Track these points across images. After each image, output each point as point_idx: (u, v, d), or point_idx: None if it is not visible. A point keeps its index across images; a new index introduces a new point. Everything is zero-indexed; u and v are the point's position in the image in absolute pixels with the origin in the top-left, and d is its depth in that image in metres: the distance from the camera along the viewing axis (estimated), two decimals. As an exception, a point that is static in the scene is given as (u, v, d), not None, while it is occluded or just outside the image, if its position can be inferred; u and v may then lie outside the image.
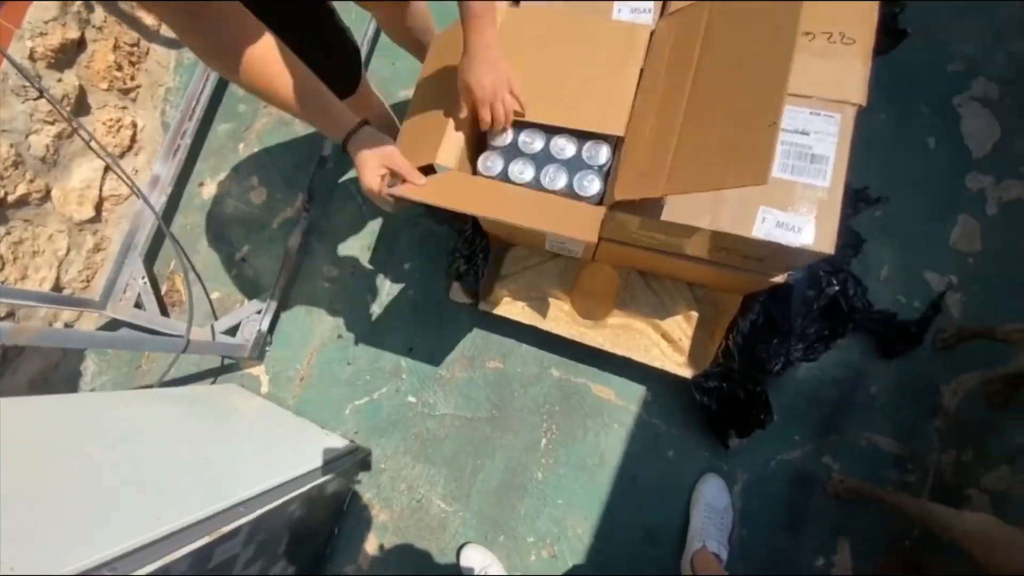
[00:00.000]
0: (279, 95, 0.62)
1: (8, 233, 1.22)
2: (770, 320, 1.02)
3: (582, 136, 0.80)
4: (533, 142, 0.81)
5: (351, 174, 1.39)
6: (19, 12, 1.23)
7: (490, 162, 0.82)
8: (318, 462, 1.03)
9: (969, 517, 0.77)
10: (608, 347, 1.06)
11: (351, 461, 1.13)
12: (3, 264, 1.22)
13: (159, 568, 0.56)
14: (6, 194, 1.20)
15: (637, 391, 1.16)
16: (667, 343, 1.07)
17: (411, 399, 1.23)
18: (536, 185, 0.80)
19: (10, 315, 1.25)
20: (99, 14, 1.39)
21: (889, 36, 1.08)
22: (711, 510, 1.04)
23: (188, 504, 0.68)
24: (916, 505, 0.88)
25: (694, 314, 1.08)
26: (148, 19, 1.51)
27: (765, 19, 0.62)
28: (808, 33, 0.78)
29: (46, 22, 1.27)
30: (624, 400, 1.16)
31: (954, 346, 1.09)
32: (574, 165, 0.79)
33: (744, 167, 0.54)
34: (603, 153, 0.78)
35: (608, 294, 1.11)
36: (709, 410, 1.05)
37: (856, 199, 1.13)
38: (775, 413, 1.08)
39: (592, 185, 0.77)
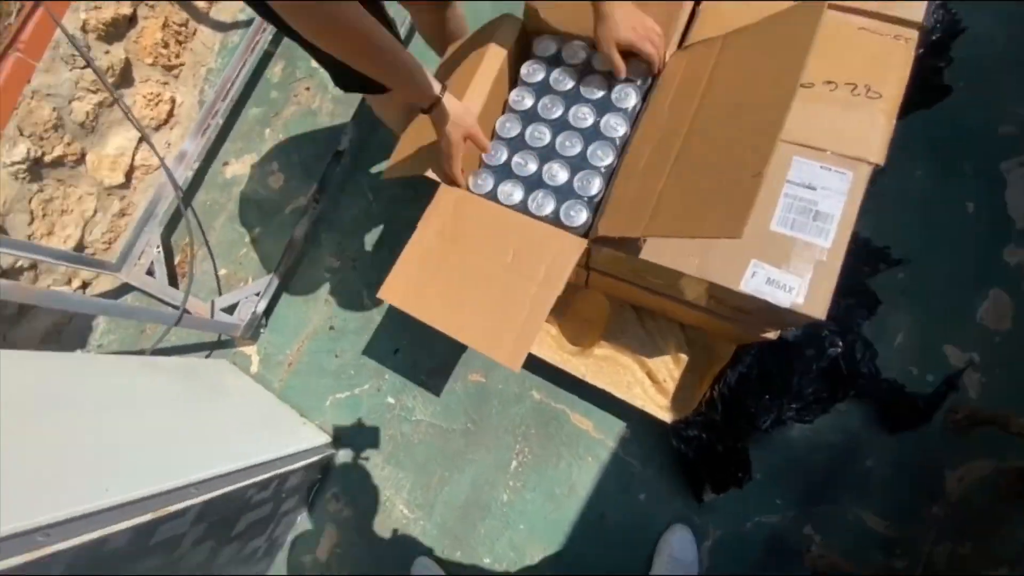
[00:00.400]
0: (373, 47, 0.60)
1: (41, 191, 1.30)
2: (765, 374, 0.97)
3: (576, 165, 0.78)
4: (527, 164, 0.80)
5: (368, 169, 1.41)
6: (80, -15, 1.31)
7: (480, 179, 0.81)
8: (291, 450, 1.04)
9: None
10: (589, 378, 1.03)
11: (323, 454, 1.14)
12: (32, 219, 1.30)
13: (95, 539, 0.57)
14: (43, 154, 1.28)
15: (616, 426, 1.12)
16: (651, 383, 1.03)
17: (390, 400, 1.23)
18: (523, 208, 0.78)
19: (32, 267, 1.32)
20: (153, -8, 1.46)
21: (931, 91, 1.02)
22: (675, 563, 1.00)
23: (142, 477, 0.69)
24: None
25: (684, 357, 1.04)
26: (198, 1, 1.58)
27: (770, 61, 0.59)
28: (830, 82, 0.73)
29: (103, -4, 1.35)
30: (602, 434, 1.12)
31: (966, 430, 1.00)
32: (564, 193, 0.77)
33: (722, 218, 0.51)
34: (595, 184, 0.76)
35: (598, 322, 1.08)
36: (686, 458, 1.00)
37: (876, 258, 1.07)
38: (759, 471, 1.03)
39: (579, 216, 0.74)
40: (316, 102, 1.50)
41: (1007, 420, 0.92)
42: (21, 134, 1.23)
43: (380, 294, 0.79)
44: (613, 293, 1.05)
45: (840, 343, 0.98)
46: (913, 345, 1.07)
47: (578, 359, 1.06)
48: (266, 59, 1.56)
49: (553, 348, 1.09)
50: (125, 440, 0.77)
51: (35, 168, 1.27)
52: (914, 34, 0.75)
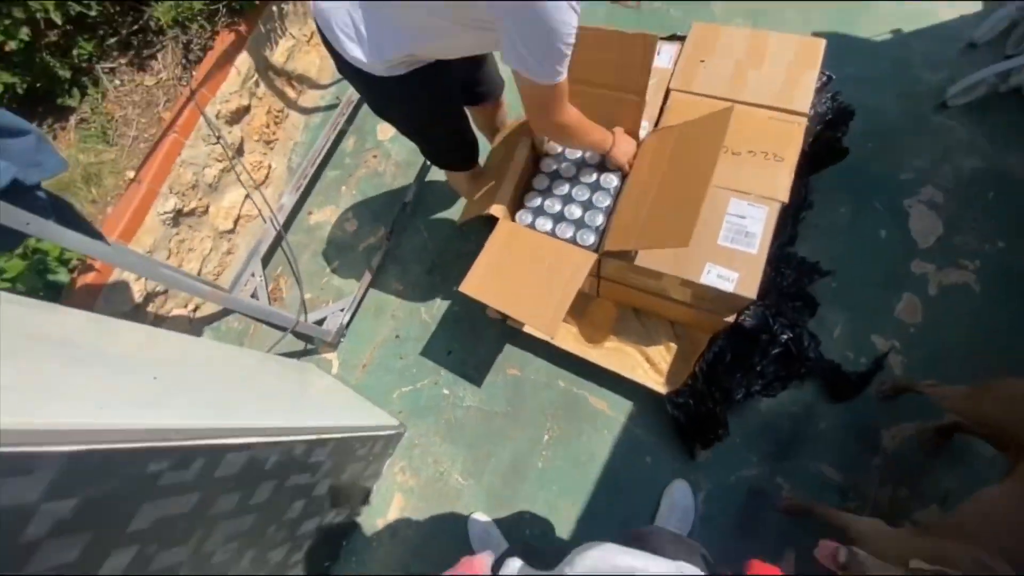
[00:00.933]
0: (585, 128, 1.03)
1: (177, 234, 1.70)
2: (735, 357, 1.31)
3: (585, 206, 1.18)
4: (553, 206, 1.20)
5: (423, 216, 1.82)
6: (216, 84, 1.79)
7: (523, 216, 1.21)
8: (371, 423, 1.36)
9: (863, 521, 0.99)
10: (602, 363, 1.37)
11: (394, 431, 1.45)
12: (169, 255, 1.69)
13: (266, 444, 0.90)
14: (184, 207, 1.70)
15: (626, 405, 1.43)
16: (649, 365, 1.36)
17: (445, 391, 1.56)
18: (551, 234, 1.17)
19: (164, 292, 1.70)
20: (262, 88, 1.95)
21: (835, 153, 1.44)
22: (676, 507, 1.28)
23: (279, 417, 1.02)
24: (833, 514, 1.10)
25: (673, 346, 1.38)
26: (291, 93, 2.08)
27: (704, 144, 0.99)
28: (752, 151, 1.14)
29: (230, 92, 1.83)
30: (615, 411, 1.44)
31: (892, 397, 1.32)
32: (578, 224, 1.16)
33: (674, 236, 0.89)
34: (599, 218, 1.15)
35: (607, 324, 1.43)
36: (679, 422, 1.31)
37: (810, 270, 1.43)
38: (737, 436, 1.34)
39: (589, 238, 1.13)
40: (382, 166, 1.95)
41: (915, 385, 1.23)
42: (171, 192, 1.66)
43: (461, 288, 1.15)
44: (618, 298, 1.41)
45: (789, 333, 1.32)
46: (847, 335, 1.41)
47: (593, 350, 1.40)
48: (341, 135, 2.03)
49: (573, 343, 1.43)
50: (256, 390, 1.10)
51: (176, 217, 1.68)
52: (803, 120, 1.16)
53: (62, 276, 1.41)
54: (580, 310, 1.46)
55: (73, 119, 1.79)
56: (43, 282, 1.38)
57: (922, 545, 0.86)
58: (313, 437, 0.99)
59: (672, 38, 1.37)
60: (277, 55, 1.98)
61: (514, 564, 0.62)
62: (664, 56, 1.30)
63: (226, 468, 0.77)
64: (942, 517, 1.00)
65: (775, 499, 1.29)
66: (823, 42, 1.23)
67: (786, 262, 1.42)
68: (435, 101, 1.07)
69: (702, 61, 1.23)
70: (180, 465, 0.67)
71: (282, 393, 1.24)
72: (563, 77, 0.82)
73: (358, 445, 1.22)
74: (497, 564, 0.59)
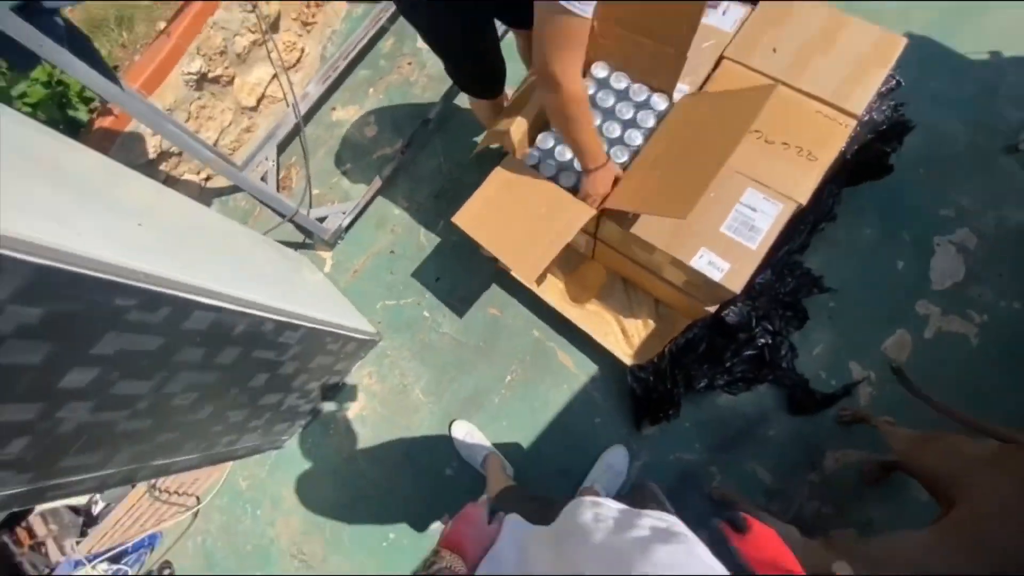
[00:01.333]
0: (582, 124, 0.90)
1: (199, 98, 1.69)
2: (708, 348, 1.31)
3: (627, 126, 1.14)
4: (564, 153, 1.16)
5: (445, 137, 1.77)
6: (261, -50, 1.69)
7: (531, 155, 1.18)
8: (351, 324, 1.42)
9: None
10: (579, 323, 1.38)
11: (370, 337, 1.51)
12: (188, 118, 1.70)
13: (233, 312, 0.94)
14: (209, 71, 1.67)
15: (590, 367, 1.47)
16: (623, 336, 1.38)
17: (425, 313, 1.60)
18: (555, 180, 1.14)
19: (179, 154, 1.72)
20: (309, -36, 1.84)
21: (879, 168, 1.35)
22: (610, 469, 1.34)
23: (260, 291, 1.06)
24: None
25: (652, 323, 1.38)
26: (339, -24, 1.96)
27: (735, 111, 0.93)
28: (786, 143, 1.07)
29: (274, -39, 1.73)
30: (578, 370, 1.47)
31: (849, 424, 1.33)
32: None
33: (674, 206, 0.86)
34: (638, 139, 1.12)
35: (594, 287, 1.43)
36: (635, 394, 1.35)
37: (812, 283, 1.39)
38: (688, 421, 1.38)
39: (622, 156, 1.11)
40: (414, 75, 1.87)
41: (869, 418, 1.24)
42: (198, 53, 1.63)
43: (454, 219, 1.15)
44: (611, 264, 1.40)
45: (769, 339, 1.32)
46: (826, 355, 1.40)
47: (573, 308, 1.42)
48: (381, 33, 1.93)
49: (558, 298, 1.44)
50: (247, 267, 1.14)
51: (201, 81, 1.66)
52: (852, 122, 1.08)
53: (81, 114, 1.43)
54: (571, 267, 1.46)
55: (113, -48, 1.72)
56: (63, 116, 1.41)
57: (822, 560, 0.90)
58: (284, 319, 1.04)
59: None
60: (331, -71, 1.85)
61: (513, 519, 0.66)
62: (728, 17, 1.19)
63: (194, 323, 0.82)
64: (857, 542, 1.04)
65: (704, 484, 1.35)
66: (903, 41, 1.11)
67: (790, 269, 1.38)
68: (458, 15, 1.01)
69: (773, 50, 1.12)
70: (147, 307, 0.72)
71: (269, 275, 1.29)
72: (576, 10, 0.70)
73: (329, 340, 1.28)
74: (491, 515, 0.62)
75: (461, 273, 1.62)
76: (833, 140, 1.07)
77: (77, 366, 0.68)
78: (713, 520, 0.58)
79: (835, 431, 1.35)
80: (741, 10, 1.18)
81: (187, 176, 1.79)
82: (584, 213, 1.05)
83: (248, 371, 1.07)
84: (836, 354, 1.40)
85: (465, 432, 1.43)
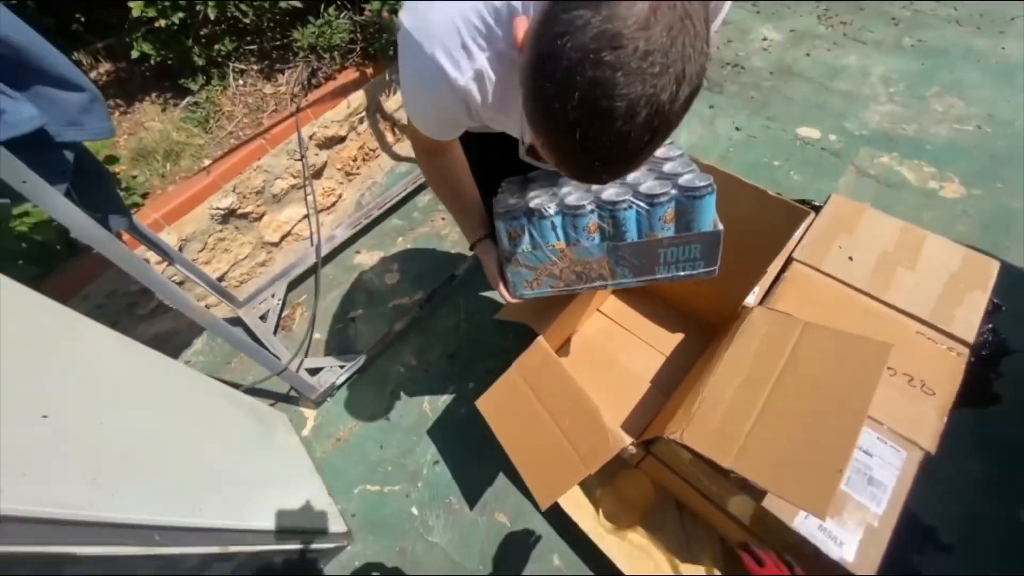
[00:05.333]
0: (454, 192, 0.83)
1: (220, 231, 1.63)
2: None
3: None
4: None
5: (469, 296, 1.65)
6: (323, 109, 1.81)
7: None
8: (311, 525, 1.07)
9: None
10: (618, 562, 1.03)
11: (335, 543, 1.14)
12: (203, 248, 1.60)
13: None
14: (239, 208, 1.64)
15: (630, 628, 1.06)
16: (679, 590, 1.01)
17: (414, 511, 1.25)
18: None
19: (181, 283, 1.59)
20: (364, 125, 1.97)
21: (981, 396, 1.14)
22: None
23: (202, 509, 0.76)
24: None
25: (717, 574, 1.02)
26: (390, 137, 2.10)
27: (851, 352, 0.75)
28: (891, 369, 0.88)
29: (333, 120, 1.84)
30: (613, 630, 1.06)
31: None
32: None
33: (808, 495, 0.63)
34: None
35: (639, 507, 1.11)
36: None
37: (924, 536, 1.06)
38: None
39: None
40: (447, 230, 1.84)
41: None
42: (233, 191, 1.61)
43: (478, 403, 0.92)
44: (661, 481, 1.10)
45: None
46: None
47: (612, 537, 1.07)
48: (419, 189, 1.98)
49: (591, 519, 1.11)
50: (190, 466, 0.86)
51: (227, 216, 1.62)
52: (965, 350, 0.90)
53: (85, 237, 1.32)
54: (609, 475, 1.16)
55: (185, 100, 1.86)
56: (64, 239, 1.30)
57: None
58: (216, 550, 0.72)
59: (803, 203, 1.20)
60: (390, 103, 2.02)
61: None
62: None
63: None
64: None
65: None
66: (996, 264, 1.00)
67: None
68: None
69: (849, 258, 1.02)
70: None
71: (217, 455, 0.99)
72: (418, 126, 0.67)
73: (277, 559, 0.93)
74: None
75: (468, 460, 1.31)
76: (949, 370, 0.88)
77: None
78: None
79: None
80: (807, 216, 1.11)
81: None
82: (607, 446, 0.81)
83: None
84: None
85: None
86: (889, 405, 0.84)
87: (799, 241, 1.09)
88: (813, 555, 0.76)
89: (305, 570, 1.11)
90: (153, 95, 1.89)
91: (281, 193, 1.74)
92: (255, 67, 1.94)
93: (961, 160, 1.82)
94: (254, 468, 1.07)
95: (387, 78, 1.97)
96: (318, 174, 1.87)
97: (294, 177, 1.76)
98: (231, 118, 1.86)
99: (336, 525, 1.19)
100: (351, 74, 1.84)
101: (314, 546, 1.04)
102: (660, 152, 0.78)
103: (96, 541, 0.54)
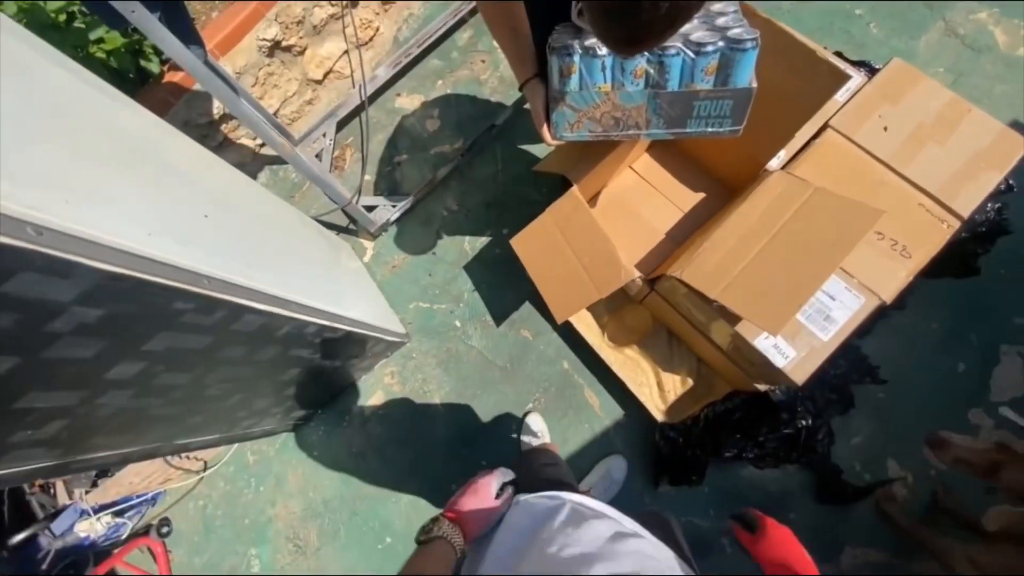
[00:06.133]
0: (511, 28, 0.86)
1: (268, 65, 1.66)
2: (744, 418, 1.26)
3: None
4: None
5: (507, 146, 1.72)
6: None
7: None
8: (382, 324, 1.39)
9: None
10: (614, 367, 1.34)
11: (398, 338, 1.49)
12: (255, 83, 1.67)
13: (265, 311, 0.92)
14: (283, 39, 1.64)
15: (616, 412, 1.43)
16: (658, 389, 1.33)
17: (457, 323, 1.57)
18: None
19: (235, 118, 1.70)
20: (398, -59, 1.78)
21: (964, 268, 1.27)
22: (607, 476, 1.32)
23: (295, 286, 1.03)
24: None
25: (690, 382, 1.33)
26: (426, -42, 1.90)
27: (836, 228, 0.87)
28: (880, 233, 1.00)
29: (366, -65, 1.67)
30: (603, 413, 1.43)
31: (892, 522, 1.26)
32: None
33: (768, 318, 0.81)
34: None
35: (638, 332, 1.38)
36: (660, 452, 1.30)
37: (865, 371, 1.32)
38: (708, 486, 1.33)
39: None
40: (486, 74, 1.82)
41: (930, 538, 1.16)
42: (276, 20, 1.59)
43: (512, 241, 1.12)
44: (658, 313, 1.34)
45: (809, 421, 1.26)
46: (865, 447, 1.33)
47: (610, 350, 1.37)
48: (459, 24, 1.87)
49: (594, 336, 1.40)
50: (289, 255, 1.11)
51: (273, 48, 1.63)
52: (957, 223, 1.00)
53: (154, 66, 1.41)
54: (616, 306, 1.41)
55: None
56: (135, 65, 1.39)
57: None
58: (325, 322, 1.02)
59: (860, 65, 1.16)
60: (427, -91, 1.78)
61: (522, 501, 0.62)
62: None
63: (243, 325, 0.80)
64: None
65: (713, 553, 1.31)
66: (1026, 144, 1.02)
67: (844, 352, 1.31)
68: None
69: (884, 128, 1.04)
70: (204, 311, 0.69)
71: (313, 261, 1.26)
72: None
73: (363, 340, 1.26)
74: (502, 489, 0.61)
75: (499, 288, 1.58)
76: (932, 239, 1.00)
77: (126, 360, 0.67)
78: (727, 522, 0.59)
79: (859, 526, 1.29)
80: (858, 79, 1.10)
81: (243, 139, 1.77)
82: (621, 277, 1.00)
83: (283, 367, 1.05)
84: (874, 447, 1.34)
85: (539, 430, 1.39)
86: (867, 262, 0.99)
87: (843, 106, 1.11)
88: (764, 365, 1.01)
89: (379, 355, 1.48)
90: None
91: (321, 24, 1.70)
92: None
93: (1075, 18, 1.59)
94: (335, 278, 1.35)
95: None
96: (354, 1, 1.78)
97: (332, 5, 1.69)
98: (258, -73, 1.70)
99: (398, 327, 1.52)
100: None
101: (386, 337, 1.37)
102: (716, 6, 0.79)
103: (262, 301, 0.80)
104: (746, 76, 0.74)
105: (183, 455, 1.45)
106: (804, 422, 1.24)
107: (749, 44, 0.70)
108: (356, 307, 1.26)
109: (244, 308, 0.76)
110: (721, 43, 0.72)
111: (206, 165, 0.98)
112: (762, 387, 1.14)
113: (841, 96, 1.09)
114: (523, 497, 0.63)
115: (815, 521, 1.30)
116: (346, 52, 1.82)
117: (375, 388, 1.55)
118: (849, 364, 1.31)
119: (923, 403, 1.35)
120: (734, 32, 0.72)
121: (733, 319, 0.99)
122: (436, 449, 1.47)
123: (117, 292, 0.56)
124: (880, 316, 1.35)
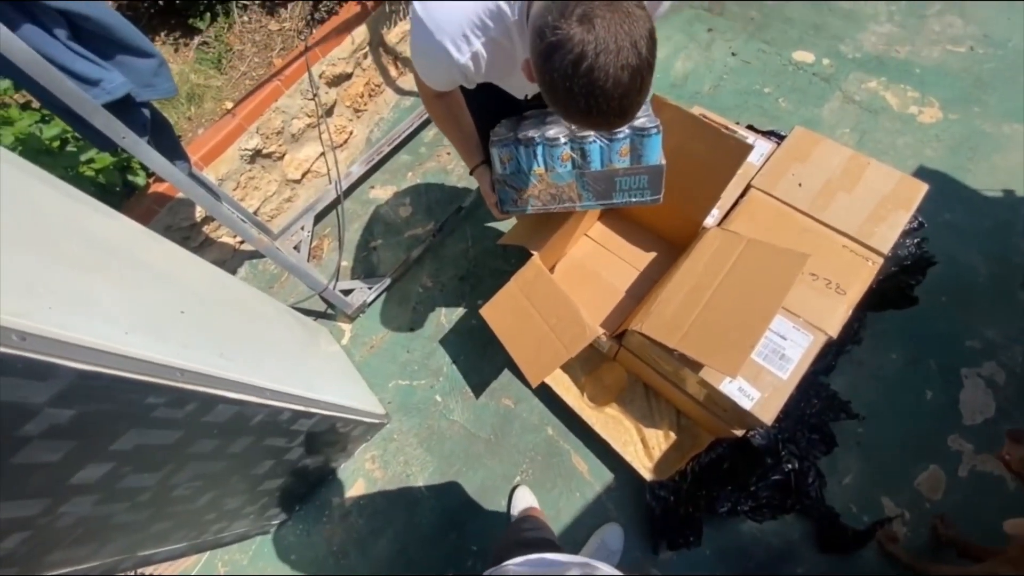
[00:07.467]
0: (456, 124, 0.98)
1: (250, 171, 1.80)
2: (732, 468, 1.25)
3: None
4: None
5: (475, 225, 1.85)
6: (329, 47, 1.88)
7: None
8: (359, 406, 1.38)
9: None
10: (596, 428, 1.34)
11: (378, 420, 1.47)
12: (236, 186, 1.79)
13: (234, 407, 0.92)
14: (263, 148, 1.80)
15: (606, 476, 1.40)
16: (643, 447, 1.32)
17: (438, 398, 1.56)
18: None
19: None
20: (368, 60, 2.04)
21: (903, 299, 1.36)
22: (603, 546, 1.24)
23: (282, 378, 1.05)
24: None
25: (673, 436, 1.33)
26: (393, 72, 2.17)
27: (771, 276, 0.96)
28: (814, 275, 1.09)
29: (339, 58, 1.92)
30: (593, 478, 1.40)
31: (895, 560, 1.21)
32: None
33: (725, 361, 0.87)
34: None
35: (615, 389, 1.40)
36: (653, 513, 1.26)
37: (839, 408, 1.35)
38: (709, 547, 1.28)
39: None
40: (452, 164, 2.00)
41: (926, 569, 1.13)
42: (257, 132, 1.76)
43: (482, 311, 1.17)
44: (632, 369, 1.38)
45: (796, 464, 1.25)
46: (856, 487, 1.32)
47: (592, 411, 1.38)
48: (425, 124, 2.09)
49: (573, 398, 1.41)
50: (264, 343, 1.13)
51: (254, 156, 1.78)
52: (880, 260, 1.11)
53: (140, 179, 1.52)
54: (592, 366, 1.44)
55: (196, 40, 1.94)
56: (123, 180, 1.49)
57: None
58: (301, 407, 1.02)
59: (770, 135, 1.35)
60: (392, 35, 2.07)
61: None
62: (756, 152, 1.27)
63: (215, 416, 0.80)
64: None
65: (727, 627, 1.22)
66: (924, 187, 1.17)
67: (816, 391, 1.35)
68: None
69: (799, 184, 1.19)
70: (176, 404, 0.71)
71: (289, 348, 1.28)
72: (425, 81, 0.82)
73: (340, 425, 1.24)
74: None
75: (477, 358, 1.60)
76: (861, 276, 1.09)
77: (93, 462, 0.66)
78: None
79: (867, 573, 1.24)
80: (767, 146, 1.27)
81: (224, 238, 1.86)
82: (586, 335, 1.06)
83: (255, 459, 1.02)
84: (866, 486, 1.32)
85: (529, 503, 1.35)
86: (807, 302, 1.07)
87: (760, 168, 1.26)
88: (734, 409, 1.04)
89: (358, 439, 1.45)
90: (163, 34, 1.97)
91: (299, 132, 1.88)
92: (257, 1, 1.98)
93: (945, 84, 1.88)
94: (313, 364, 1.36)
95: (386, 9, 2.00)
96: (329, 112, 1.99)
97: (308, 116, 1.89)
98: (242, 58, 1.95)
99: (377, 409, 1.51)
100: (352, 7, 1.88)
101: (364, 419, 1.35)
102: None
103: (234, 389, 0.81)
104: (655, 155, 0.87)
105: (145, 571, 1.32)
106: (791, 465, 1.24)
107: (653, 130, 0.84)
108: (332, 390, 1.27)
109: (217, 398, 0.77)
110: (628, 130, 0.86)
111: (184, 264, 1.04)
112: (739, 432, 1.15)
113: (757, 160, 1.25)
114: (493, 571, 0.61)
115: (823, 572, 1.25)
116: (322, 154, 1.99)
117: (356, 476, 1.49)
118: (822, 402, 1.34)
119: (901, 435, 1.37)
120: (639, 121, 0.86)
121: (696, 366, 1.03)
122: (422, 538, 1.39)
123: (91, 390, 0.57)
124: (840, 352, 1.42)
